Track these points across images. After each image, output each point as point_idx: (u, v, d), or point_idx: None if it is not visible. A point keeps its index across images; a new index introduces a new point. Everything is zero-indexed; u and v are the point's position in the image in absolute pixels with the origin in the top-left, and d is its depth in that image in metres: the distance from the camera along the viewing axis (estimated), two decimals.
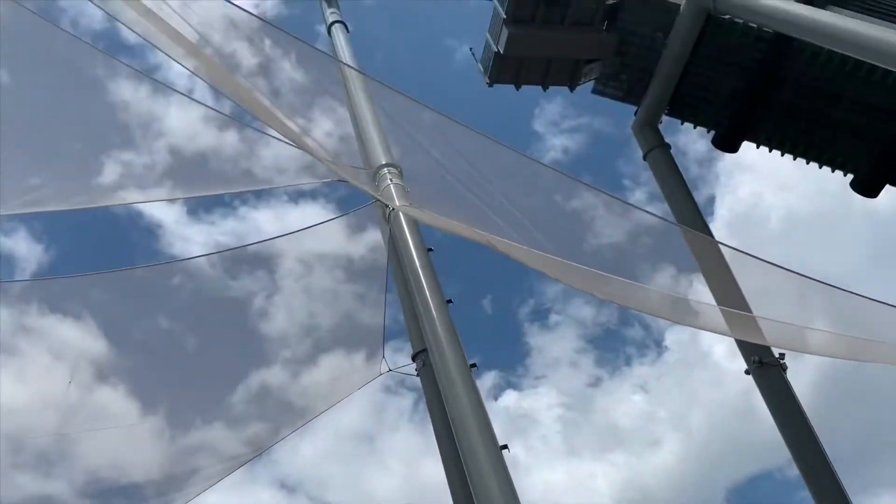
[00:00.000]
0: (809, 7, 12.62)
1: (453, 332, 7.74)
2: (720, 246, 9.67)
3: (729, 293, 9.53)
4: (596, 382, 37.17)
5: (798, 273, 7.88)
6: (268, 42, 10.12)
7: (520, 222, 8.30)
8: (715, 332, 9.67)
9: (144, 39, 8.80)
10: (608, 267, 8.59)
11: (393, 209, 8.93)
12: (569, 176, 8.99)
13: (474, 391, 7.25)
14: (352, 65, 12.02)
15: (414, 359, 10.73)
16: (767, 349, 12.62)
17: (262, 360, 14.80)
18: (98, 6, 8.90)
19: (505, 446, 6.95)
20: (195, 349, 14.90)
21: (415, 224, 8.84)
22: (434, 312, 7.86)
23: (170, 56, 8.91)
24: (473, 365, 7.67)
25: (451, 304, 8.26)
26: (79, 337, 14.37)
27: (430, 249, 8.81)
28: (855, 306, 7.91)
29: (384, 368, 12.05)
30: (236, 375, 14.54)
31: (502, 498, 6.39)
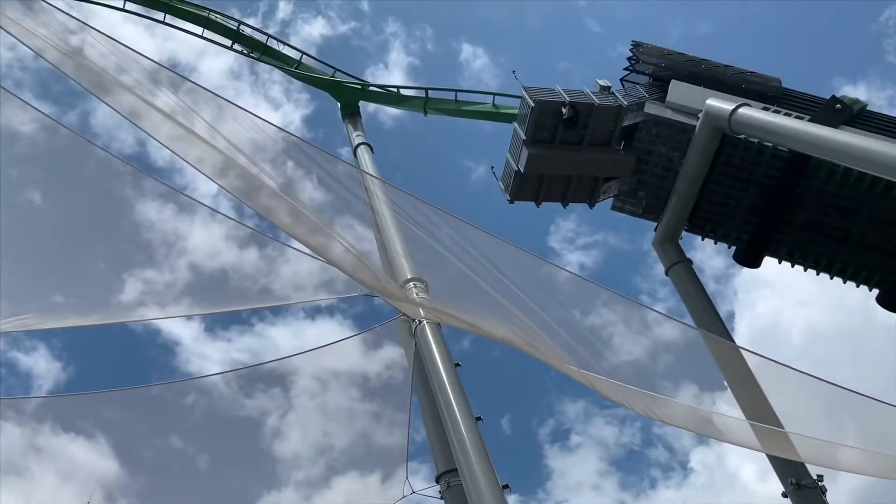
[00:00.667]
0: (823, 126, 12.93)
1: (484, 451, 7.47)
2: (743, 352, 9.44)
3: (756, 404, 9.24)
4: None
5: (824, 380, 7.66)
6: (297, 160, 10.38)
7: (546, 323, 8.18)
8: (745, 446, 9.29)
9: (176, 154, 9.03)
10: (633, 377, 8.42)
11: (420, 322, 8.84)
12: (599, 286, 8.92)
13: None
14: (376, 191, 12.28)
15: (438, 480, 10.31)
16: (804, 470, 12.13)
17: (277, 482, 14.33)
18: (134, 124, 9.19)
19: None
20: (208, 469, 14.46)
21: (442, 339, 8.75)
22: (464, 430, 7.62)
23: (201, 171, 9.10)
24: (506, 486, 7.34)
25: (480, 421, 8.02)
26: (91, 457, 14.01)
27: (457, 364, 8.66)
28: (885, 417, 7.63)
29: (407, 490, 11.53)
30: (250, 498, 14.05)
31: None
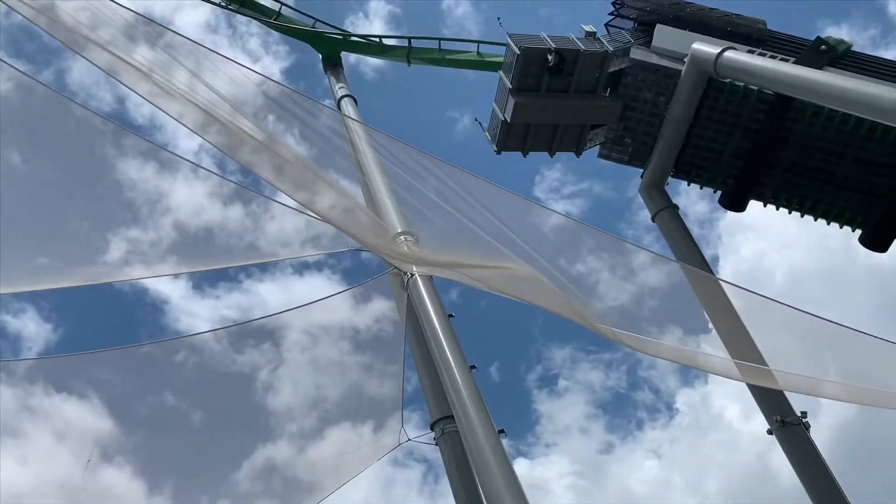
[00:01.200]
0: (808, 69, 12.90)
1: (480, 398, 7.57)
2: (727, 291, 9.58)
3: (741, 343, 9.42)
4: (608, 449, 36.42)
5: (804, 311, 7.84)
6: (280, 112, 10.25)
7: (541, 265, 8.24)
8: (733, 378, 9.52)
9: (157, 107, 8.89)
10: (623, 312, 8.58)
11: (412, 276, 8.86)
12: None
13: (504, 456, 7.05)
14: (363, 134, 12.16)
15: (432, 427, 10.50)
16: (789, 408, 12.44)
17: (271, 435, 14.52)
18: (115, 79, 9.01)
19: None
20: (202, 424, 14.59)
21: (435, 291, 8.79)
22: (459, 379, 7.71)
23: (184, 124, 8.99)
24: (501, 431, 7.49)
25: (474, 369, 8.13)
26: (84, 416, 14.10)
27: (450, 315, 8.73)
28: (865, 351, 7.85)
29: (403, 438, 11.74)
30: (243, 453, 14.24)
31: None
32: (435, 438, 10.30)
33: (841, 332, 7.80)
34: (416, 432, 12.95)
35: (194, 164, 11.95)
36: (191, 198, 12.85)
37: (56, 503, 13.77)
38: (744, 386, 13.06)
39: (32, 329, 30.07)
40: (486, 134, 15.94)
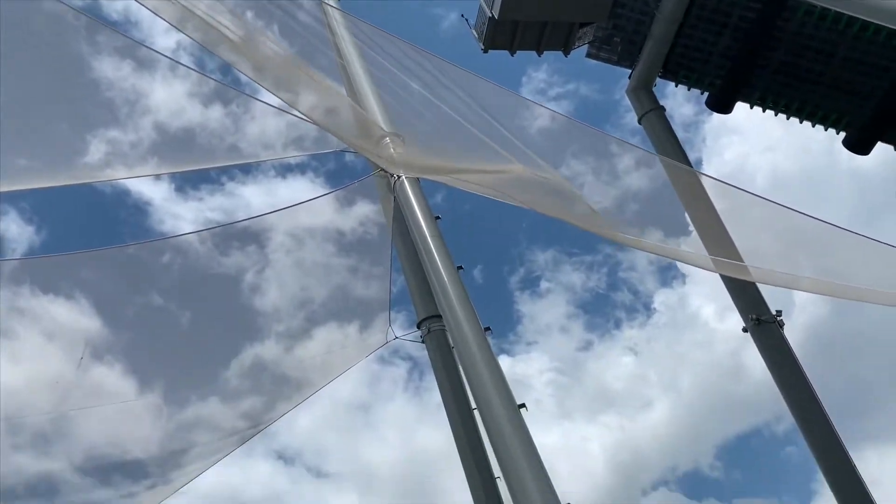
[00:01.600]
0: None
1: (466, 298, 7.68)
2: (707, 189, 9.66)
3: (718, 237, 9.56)
4: (587, 346, 37.54)
5: (782, 205, 7.95)
6: (259, 7, 9.93)
7: (531, 160, 8.23)
8: (700, 266, 9.73)
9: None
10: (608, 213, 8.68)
11: (399, 178, 8.80)
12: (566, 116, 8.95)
13: (489, 353, 7.23)
14: (344, 33, 11.79)
15: (419, 326, 10.75)
16: (765, 307, 12.76)
17: (259, 335, 14.76)
18: None
19: (523, 405, 6.97)
20: (190, 324, 14.78)
21: (422, 193, 8.74)
22: (446, 278, 7.80)
23: (162, 18, 8.70)
24: (488, 328, 7.66)
25: (461, 269, 8.23)
26: (73, 318, 14.23)
27: (437, 217, 8.74)
28: (842, 249, 8.02)
29: (391, 336, 11.99)
30: (231, 352, 14.50)
31: (524, 456, 6.41)
32: (421, 336, 10.57)
33: (819, 227, 7.92)
34: (402, 332, 13.25)
35: (173, 59, 11.62)
36: (170, 97, 12.57)
37: (50, 399, 14.10)
38: (720, 287, 13.38)
39: (15, 231, 29.86)
40: (473, 31, 15.55)
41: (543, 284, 37.72)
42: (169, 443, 13.93)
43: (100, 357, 14.09)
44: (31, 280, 14.26)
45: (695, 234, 9.50)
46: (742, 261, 8.88)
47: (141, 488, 13.81)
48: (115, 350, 14.32)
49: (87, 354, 13.91)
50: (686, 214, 9.66)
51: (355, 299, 14.73)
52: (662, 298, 37.39)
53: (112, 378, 14.04)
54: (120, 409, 13.79)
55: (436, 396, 10.26)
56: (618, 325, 37.53)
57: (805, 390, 12.26)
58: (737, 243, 9.23)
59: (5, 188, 11.76)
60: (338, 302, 14.85)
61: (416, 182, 8.89)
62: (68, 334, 14.21)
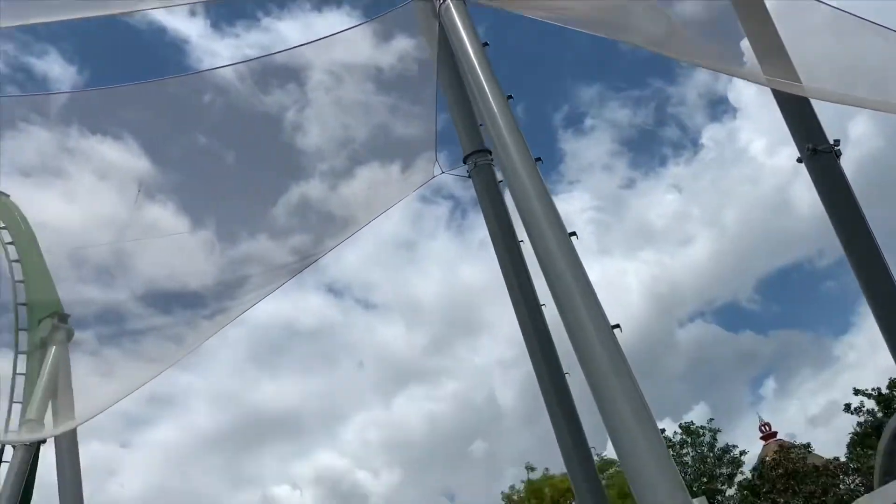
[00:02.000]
0: None
1: (516, 127, 7.58)
2: None
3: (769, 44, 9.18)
4: (630, 184, 37.44)
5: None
6: None
7: None
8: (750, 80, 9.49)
9: None
10: None
11: (445, 1, 8.44)
12: None
13: (540, 183, 7.21)
14: None
15: (465, 161, 10.64)
16: (823, 135, 12.26)
17: (303, 173, 14.89)
18: None
19: (573, 233, 7.02)
20: (235, 164, 14.92)
21: (469, 17, 8.40)
22: (495, 107, 7.66)
23: None
24: (539, 159, 7.59)
25: (511, 99, 8.04)
26: (122, 157, 14.49)
27: (485, 44, 8.45)
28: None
29: (437, 172, 11.99)
30: (277, 190, 14.71)
31: (574, 280, 6.56)
32: (468, 171, 10.50)
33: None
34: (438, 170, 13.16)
35: None
36: None
37: (106, 237, 14.69)
38: (771, 121, 12.90)
39: (58, 71, 29.87)
40: None
41: (588, 121, 37.15)
42: (223, 276, 14.53)
43: (152, 196, 14.47)
44: (79, 121, 14.44)
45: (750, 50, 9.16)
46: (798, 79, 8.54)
47: (199, 317, 14.60)
48: (166, 189, 14.67)
49: (142, 194, 14.27)
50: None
51: (397, 138, 14.64)
52: (711, 133, 36.71)
53: (166, 216, 14.47)
54: (176, 245, 14.32)
55: (478, 234, 10.42)
56: (663, 162, 37.19)
57: (859, 222, 12.03)
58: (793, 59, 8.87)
59: (39, 19, 11.62)
60: (379, 140, 14.79)
61: (463, 5, 8.52)
62: (119, 174, 14.54)
